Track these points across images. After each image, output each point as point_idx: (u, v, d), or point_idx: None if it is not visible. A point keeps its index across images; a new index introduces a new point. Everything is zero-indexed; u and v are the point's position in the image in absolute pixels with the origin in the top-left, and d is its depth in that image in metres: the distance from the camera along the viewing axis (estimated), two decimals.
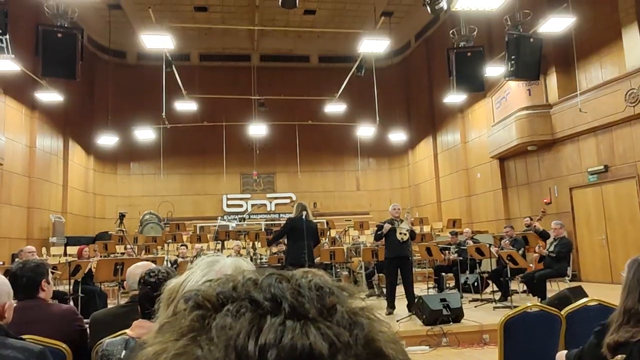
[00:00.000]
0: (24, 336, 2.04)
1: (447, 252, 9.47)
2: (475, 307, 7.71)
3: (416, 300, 6.70)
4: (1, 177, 12.05)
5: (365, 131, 16.81)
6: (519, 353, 3.13)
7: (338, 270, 11.17)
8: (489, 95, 13.50)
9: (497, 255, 8.35)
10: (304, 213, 6.83)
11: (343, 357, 0.34)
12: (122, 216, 13.29)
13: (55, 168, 14.90)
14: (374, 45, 10.76)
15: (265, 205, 18.86)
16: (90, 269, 7.80)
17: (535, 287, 7.59)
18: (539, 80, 10.43)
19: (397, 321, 6.55)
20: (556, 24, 9.13)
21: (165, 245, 12.25)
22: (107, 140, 15.29)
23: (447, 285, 9.73)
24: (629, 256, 2.11)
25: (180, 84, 14.04)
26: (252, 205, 18.76)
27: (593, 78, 10.90)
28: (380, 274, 9.47)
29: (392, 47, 15.80)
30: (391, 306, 7.26)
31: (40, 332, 2.33)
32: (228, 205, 18.69)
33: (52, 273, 3.47)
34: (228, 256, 1.16)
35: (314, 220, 7.42)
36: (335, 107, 15.85)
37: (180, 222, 14.01)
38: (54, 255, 12.73)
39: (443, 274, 9.53)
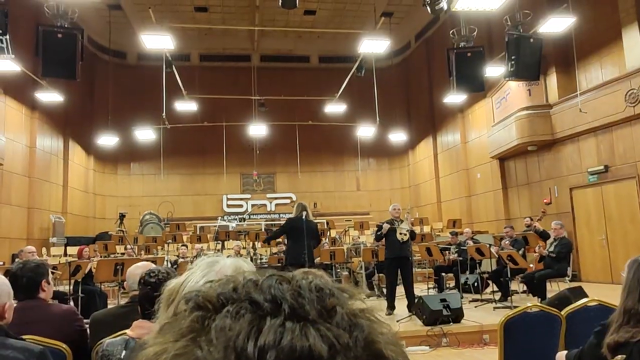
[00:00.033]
0: (24, 336, 2.04)
1: (447, 252, 9.47)
2: (476, 307, 7.71)
3: (416, 300, 6.70)
4: (1, 178, 12.06)
5: (366, 131, 16.82)
6: (519, 353, 3.13)
7: (338, 270, 11.17)
8: (489, 95, 13.50)
9: (497, 256, 8.35)
10: (304, 213, 6.83)
11: (342, 359, 0.34)
12: (122, 216, 13.28)
13: (55, 168, 14.91)
14: (374, 46, 10.76)
15: (265, 205, 18.86)
16: (90, 269, 7.80)
17: (536, 287, 7.59)
18: (539, 81, 10.43)
19: (397, 321, 6.55)
20: (556, 24, 9.13)
21: (166, 245, 12.25)
22: (107, 140, 15.29)
23: (447, 286, 9.73)
24: (629, 256, 2.11)
25: (181, 84, 14.04)
26: (252, 206, 18.77)
27: (593, 78, 10.90)
28: (381, 274, 9.47)
29: (392, 48, 15.80)
30: (391, 306, 7.26)
31: (41, 332, 2.33)
32: (228, 206, 18.70)
33: (52, 273, 3.47)
34: (228, 256, 1.16)
35: (314, 221, 7.43)
36: (335, 108, 15.85)
37: (180, 222, 14.01)
38: (54, 256, 12.73)
39: (443, 274, 9.52)
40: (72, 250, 12.30)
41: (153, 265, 2.38)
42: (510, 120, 12.27)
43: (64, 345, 2.39)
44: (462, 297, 7.25)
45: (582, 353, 2.16)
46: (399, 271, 7.34)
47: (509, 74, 8.51)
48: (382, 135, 17.12)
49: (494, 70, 10.98)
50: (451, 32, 9.75)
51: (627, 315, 1.86)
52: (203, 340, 0.35)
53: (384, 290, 8.35)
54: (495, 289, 8.59)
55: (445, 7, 7.83)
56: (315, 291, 0.38)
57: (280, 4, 8.26)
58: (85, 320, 2.83)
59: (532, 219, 9.00)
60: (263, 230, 14.58)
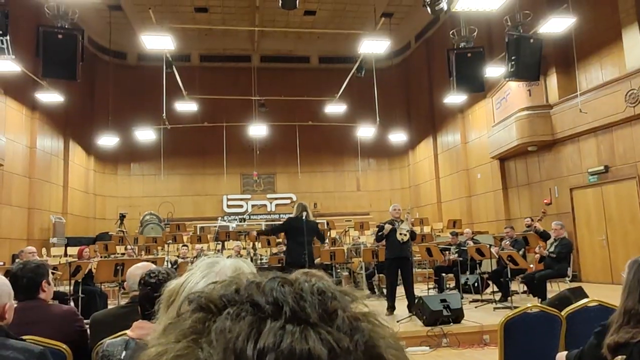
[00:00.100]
0: (24, 337, 2.04)
1: (447, 252, 9.47)
2: (476, 307, 7.71)
3: (416, 300, 6.70)
4: (2, 178, 12.06)
5: (366, 132, 16.82)
6: (519, 354, 3.13)
7: (338, 271, 11.16)
8: (489, 95, 13.50)
9: (497, 256, 8.35)
10: (304, 214, 6.83)
11: None
12: (122, 217, 13.28)
13: (55, 169, 14.91)
14: (374, 46, 10.76)
15: (265, 205, 18.86)
16: (90, 270, 7.80)
17: (536, 287, 7.59)
18: (539, 81, 10.44)
19: (398, 322, 6.54)
20: (556, 25, 9.13)
21: (166, 245, 12.25)
22: (107, 140, 15.30)
23: (448, 286, 9.73)
24: (630, 257, 2.11)
25: (181, 84, 14.05)
26: (253, 206, 18.77)
27: (593, 78, 10.90)
28: (381, 275, 9.47)
29: (392, 48, 15.80)
30: (391, 307, 7.26)
31: (41, 332, 2.34)
32: (228, 206, 18.70)
33: (53, 274, 3.47)
34: (228, 257, 1.16)
35: (315, 220, 7.44)
36: (335, 108, 15.86)
37: (180, 223, 14.00)
38: (54, 256, 12.73)
39: (443, 274, 9.52)
40: (73, 250, 12.30)
41: (153, 266, 2.38)
42: (511, 121, 12.27)
43: (64, 346, 2.39)
44: (462, 298, 7.25)
45: (582, 353, 2.16)
46: (399, 271, 7.34)
47: (509, 75, 8.50)
48: (382, 136, 17.12)
49: (494, 70, 10.98)
50: (451, 32, 9.74)
51: (627, 315, 1.87)
52: (204, 341, 0.35)
53: (384, 291, 8.35)
54: (496, 289, 8.59)
55: (445, 8, 7.83)
56: (317, 294, 0.38)
57: (280, 4, 8.26)
58: (85, 321, 2.83)
59: (532, 220, 8.99)
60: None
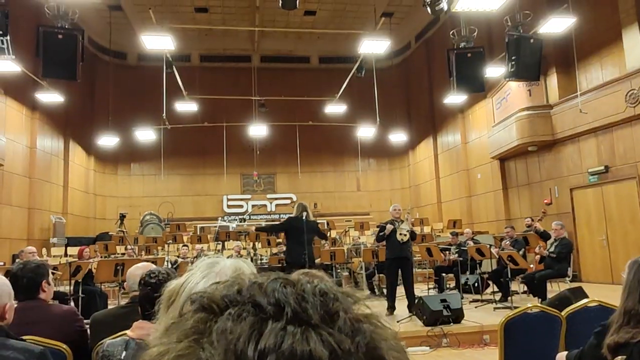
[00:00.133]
0: (24, 337, 2.04)
1: (447, 252, 9.47)
2: (476, 307, 7.71)
3: (416, 300, 6.70)
4: (2, 178, 12.06)
5: (366, 132, 16.83)
6: (520, 354, 3.13)
7: (338, 271, 11.16)
8: (490, 95, 13.50)
9: (497, 256, 8.35)
10: (305, 214, 6.84)
11: None
12: (122, 217, 13.28)
13: (55, 169, 14.92)
14: (374, 46, 10.76)
15: (265, 205, 18.85)
16: (90, 270, 7.80)
17: (536, 287, 7.59)
18: (539, 81, 10.44)
19: (398, 322, 6.54)
20: (556, 25, 9.13)
21: (166, 245, 12.25)
22: (107, 141, 15.30)
23: (448, 286, 9.73)
24: (630, 257, 2.11)
25: (181, 84, 14.05)
26: (253, 206, 18.76)
27: (593, 79, 10.90)
28: (381, 275, 9.47)
29: (392, 48, 15.80)
30: (391, 307, 7.26)
31: (41, 332, 2.34)
32: (228, 206, 18.70)
33: (53, 274, 3.47)
34: (228, 257, 1.16)
35: (315, 220, 7.44)
36: (335, 108, 15.86)
37: (180, 223, 14.01)
38: (54, 256, 12.73)
39: (443, 274, 9.53)
40: (73, 250, 12.30)
41: (153, 266, 2.39)
42: (511, 121, 12.27)
43: (64, 346, 2.40)
44: (462, 298, 7.25)
45: (583, 354, 2.16)
46: (399, 271, 7.34)
47: (509, 75, 8.50)
48: (382, 136, 17.12)
49: (494, 70, 10.98)
50: (451, 32, 9.74)
51: (627, 316, 1.87)
52: (205, 341, 0.35)
53: (384, 291, 8.35)
54: (496, 289, 8.59)
55: (446, 8, 7.83)
56: (319, 295, 0.38)
57: (280, 4, 8.26)
58: (85, 321, 2.83)
59: (532, 220, 8.99)
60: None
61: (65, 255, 12.84)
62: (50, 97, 12.44)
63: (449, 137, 16.67)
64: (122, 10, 15.58)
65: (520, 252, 8.20)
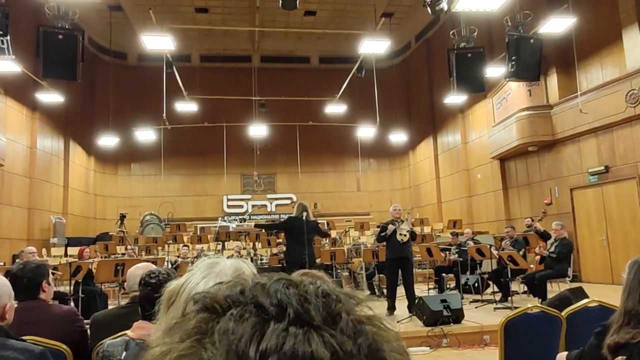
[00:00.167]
0: (24, 337, 2.04)
1: (447, 252, 9.47)
2: (476, 308, 7.71)
3: (417, 301, 6.70)
4: (2, 178, 12.06)
5: (366, 132, 16.83)
6: (520, 354, 3.13)
7: (339, 271, 11.16)
8: (490, 96, 13.50)
9: (497, 256, 8.34)
10: (305, 214, 6.84)
11: None
12: (122, 217, 13.28)
13: (56, 169, 14.92)
14: (374, 46, 10.76)
15: (265, 206, 18.86)
16: (90, 270, 7.80)
17: (536, 287, 7.59)
18: (539, 81, 10.43)
19: (398, 322, 6.54)
20: (556, 25, 9.13)
21: (166, 246, 12.25)
22: (107, 141, 15.31)
23: (448, 286, 9.73)
24: (630, 257, 2.11)
25: (181, 85, 14.05)
26: (253, 206, 18.76)
27: (593, 79, 10.90)
28: (381, 275, 9.47)
29: (392, 48, 15.80)
30: (392, 307, 7.26)
31: (41, 333, 2.34)
32: (228, 206, 18.70)
33: (53, 274, 3.47)
34: (228, 257, 1.16)
35: (316, 220, 7.45)
36: (335, 108, 15.86)
37: (180, 223, 14.01)
38: (54, 256, 12.74)
39: (443, 274, 9.52)
40: (73, 250, 12.31)
41: (153, 266, 2.38)
42: (511, 121, 12.27)
43: (65, 346, 2.40)
44: (462, 298, 7.25)
45: (583, 354, 2.16)
46: (399, 272, 7.34)
47: (510, 75, 8.50)
48: (382, 136, 17.12)
49: (494, 70, 10.98)
50: (451, 32, 9.74)
51: (627, 316, 1.86)
52: (207, 342, 0.35)
53: (384, 291, 8.35)
54: (496, 289, 8.58)
55: (446, 8, 7.83)
56: (321, 297, 0.38)
57: (280, 5, 8.26)
58: (85, 321, 2.83)
59: (532, 220, 8.99)
60: (263, 230, 14.60)
61: (66, 255, 12.85)
62: (51, 97, 12.44)
63: (449, 137, 16.67)
64: (123, 11, 15.59)
65: (521, 253, 8.20)
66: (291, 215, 7.37)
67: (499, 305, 7.69)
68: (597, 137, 10.57)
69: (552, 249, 7.62)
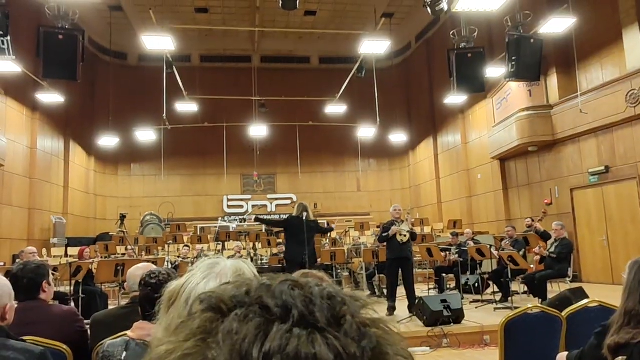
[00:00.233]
0: (24, 337, 2.04)
1: (447, 253, 9.46)
2: (476, 308, 7.71)
3: (417, 301, 6.70)
4: (2, 178, 12.07)
5: (366, 132, 16.83)
6: (520, 354, 3.13)
7: (339, 271, 11.16)
8: (490, 96, 13.50)
9: (497, 256, 8.34)
10: (305, 214, 6.84)
11: None
12: (122, 217, 13.29)
13: (56, 169, 14.92)
14: (374, 47, 10.77)
15: (265, 206, 18.87)
16: (91, 270, 7.80)
17: (536, 288, 7.59)
18: (539, 81, 10.44)
19: (398, 322, 6.54)
20: (557, 25, 9.13)
21: (166, 246, 12.24)
22: (108, 141, 15.31)
23: (448, 286, 9.73)
24: (630, 257, 2.11)
25: (181, 85, 14.05)
26: (253, 206, 18.78)
27: (594, 79, 10.90)
28: (381, 275, 9.47)
29: (392, 48, 15.80)
30: (392, 307, 7.26)
31: (41, 333, 2.34)
32: (229, 206, 18.71)
33: (53, 274, 3.47)
34: (229, 257, 1.16)
35: (316, 220, 7.45)
36: (335, 108, 15.87)
37: (181, 223, 14.01)
38: (54, 256, 12.74)
39: (444, 275, 9.52)
40: (73, 251, 12.31)
41: (154, 267, 2.38)
42: (511, 121, 12.27)
43: (65, 346, 2.40)
44: (462, 298, 7.25)
45: (583, 354, 2.16)
46: (399, 272, 7.34)
47: (510, 75, 8.50)
48: (382, 136, 17.13)
49: (494, 71, 10.98)
50: (452, 32, 9.74)
51: (627, 316, 1.86)
52: (212, 341, 0.35)
53: (385, 291, 8.35)
54: (496, 289, 8.58)
55: (446, 8, 7.83)
56: (326, 298, 0.38)
57: (280, 5, 8.26)
58: (85, 321, 2.83)
59: (533, 220, 8.99)
60: (263, 231, 14.60)
61: (66, 255, 12.85)
62: (51, 97, 12.44)
63: (449, 137, 16.67)
64: (123, 11, 15.60)
65: (521, 253, 8.19)
66: (292, 214, 7.38)
67: (499, 306, 7.68)
68: (597, 137, 10.56)
69: (553, 249, 7.62)
